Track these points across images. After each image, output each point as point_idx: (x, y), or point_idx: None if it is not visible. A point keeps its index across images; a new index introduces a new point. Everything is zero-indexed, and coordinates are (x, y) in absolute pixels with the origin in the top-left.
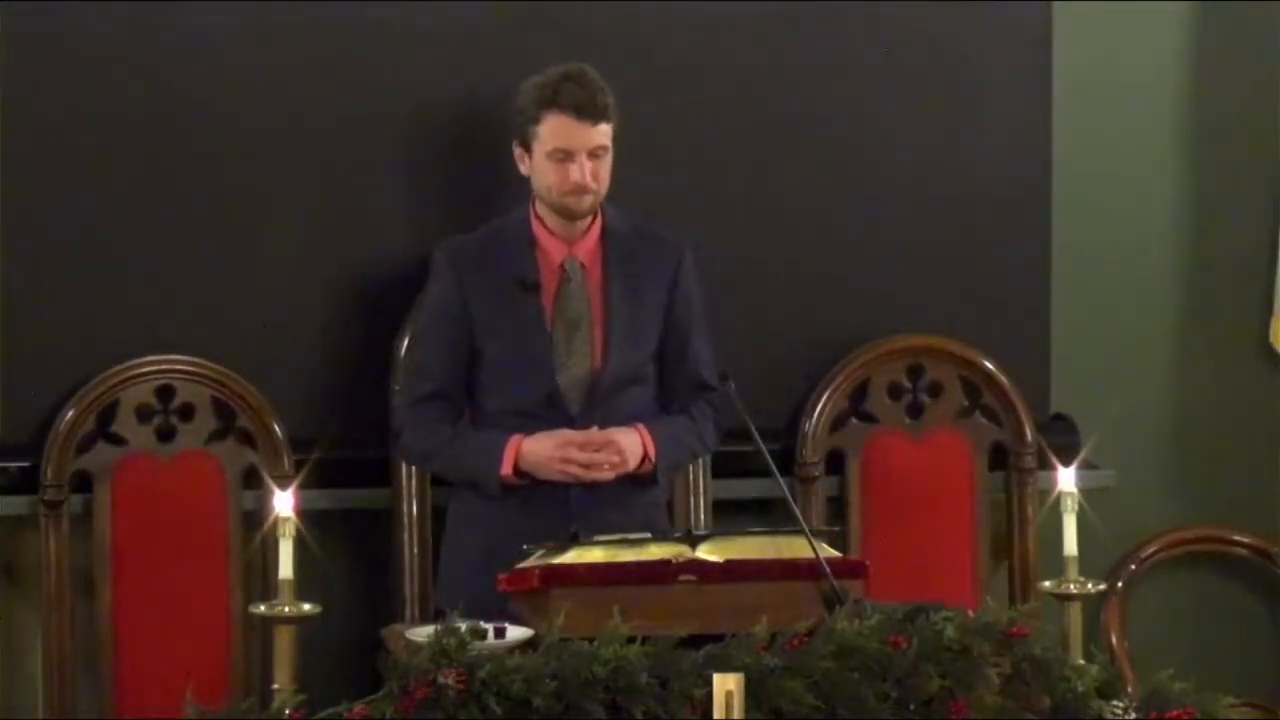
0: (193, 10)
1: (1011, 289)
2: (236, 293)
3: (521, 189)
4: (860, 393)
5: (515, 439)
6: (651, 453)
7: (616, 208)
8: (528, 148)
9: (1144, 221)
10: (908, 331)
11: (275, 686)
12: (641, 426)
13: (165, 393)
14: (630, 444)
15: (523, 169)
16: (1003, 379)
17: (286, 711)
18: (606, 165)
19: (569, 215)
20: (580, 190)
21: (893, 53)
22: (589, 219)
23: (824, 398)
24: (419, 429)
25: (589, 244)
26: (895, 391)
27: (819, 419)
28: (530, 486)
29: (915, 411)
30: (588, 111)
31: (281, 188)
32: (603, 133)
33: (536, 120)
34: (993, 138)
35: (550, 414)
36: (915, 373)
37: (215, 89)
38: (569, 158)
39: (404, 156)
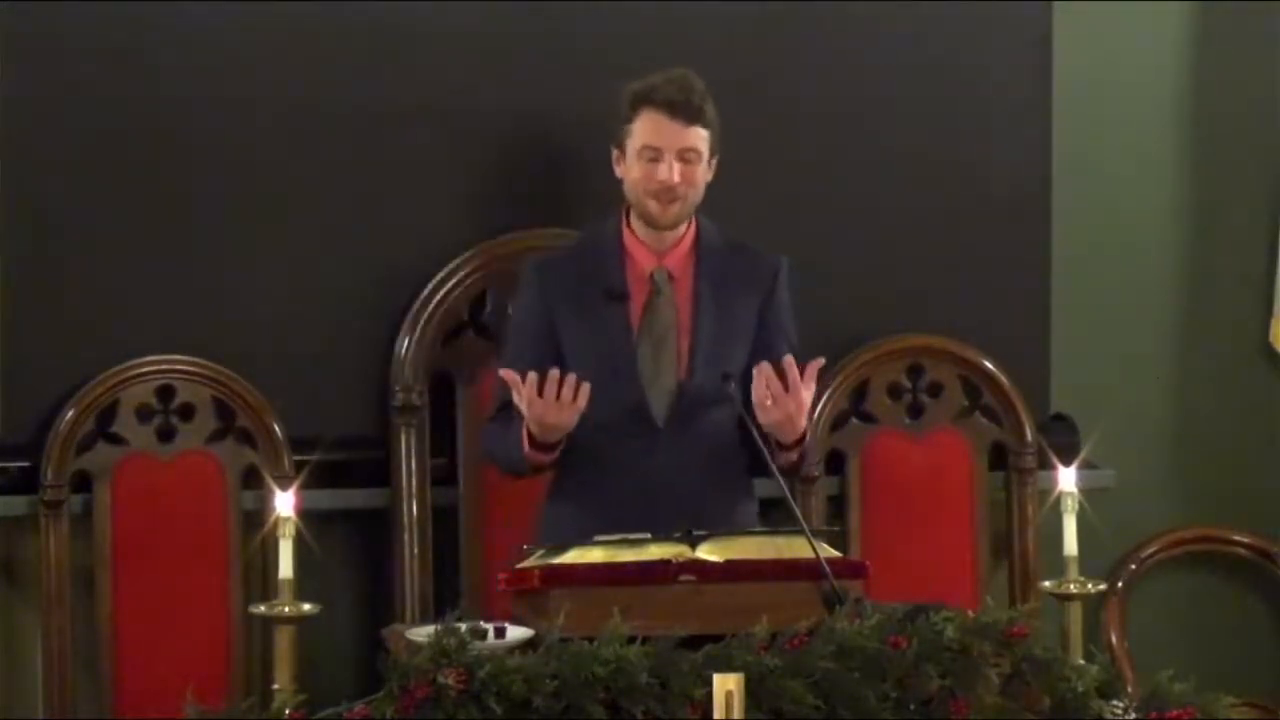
0: (191, 10)
1: (1011, 289)
2: (236, 293)
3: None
4: (860, 393)
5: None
6: (807, 436)
7: (713, 222)
8: (622, 148)
9: (1144, 221)
10: (908, 331)
11: (275, 686)
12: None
13: (165, 393)
14: (803, 416)
15: (618, 171)
16: (1003, 379)
17: (286, 711)
18: (699, 171)
19: (652, 222)
20: (665, 189)
21: (893, 53)
22: (682, 229)
23: (824, 398)
24: (491, 438)
25: (680, 254)
26: (895, 391)
27: (819, 419)
28: (610, 493)
29: (915, 411)
30: (681, 111)
31: (282, 188)
32: (695, 135)
33: (631, 119)
34: (993, 138)
35: (636, 427)
36: (915, 373)
37: (216, 89)
38: (658, 156)
39: (405, 157)
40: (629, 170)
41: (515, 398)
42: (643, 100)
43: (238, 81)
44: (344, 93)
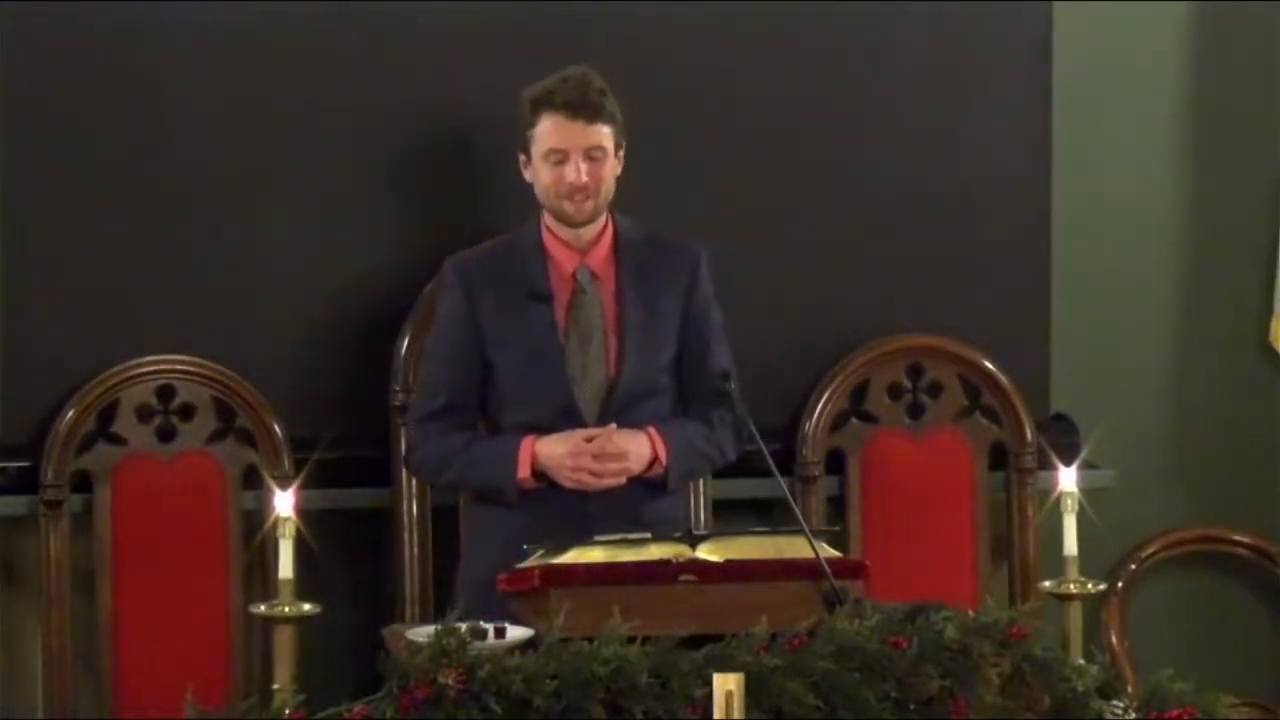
0: (196, 10)
1: (1011, 289)
2: (236, 293)
3: (524, 194)
4: (860, 393)
5: (528, 440)
6: (662, 456)
7: (630, 217)
8: (528, 153)
9: (1144, 221)
10: (908, 331)
11: (275, 686)
12: (651, 430)
13: (165, 393)
14: (636, 447)
15: (527, 176)
16: (1003, 379)
17: (286, 711)
18: (606, 168)
19: (568, 221)
20: (575, 191)
21: (893, 53)
22: (599, 227)
23: (824, 398)
24: (429, 443)
25: (601, 253)
26: (895, 391)
27: (819, 419)
28: (546, 493)
29: (915, 411)
30: (581, 110)
31: (283, 188)
32: (599, 133)
33: (533, 123)
34: (993, 138)
35: (565, 426)
36: (915, 373)
37: (217, 90)
38: (564, 158)
39: (406, 158)
40: (537, 175)
41: (562, 457)
42: (542, 104)
43: (238, 82)
44: (345, 93)
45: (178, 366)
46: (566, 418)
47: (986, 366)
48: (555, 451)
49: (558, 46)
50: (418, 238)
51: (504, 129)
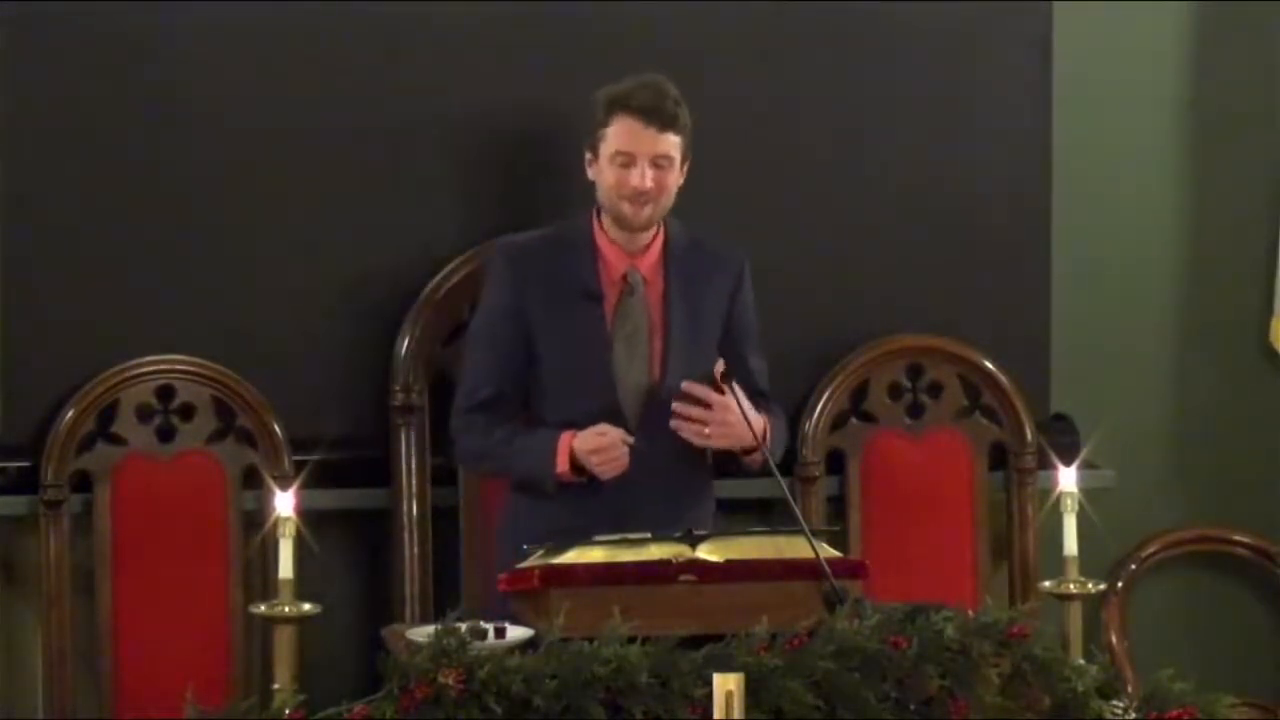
0: (194, 9)
1: (1011, 289)
2: (236, 293)
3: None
4: (860, 393)
5: (566, 436)
6: (767, 440)
7: (679, 221)
8: (596, 152)
9: (1144, 221)
10: (908, 331)
11: (275, 686)
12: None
13: (165, 393)
14: (754, 420)
15: (590, 174)
16: (1003, 379)
17: (286, 711)
18: (671, 177)
19: (625, 225)
20: (638, 195)
21: (893, 53)
22: (653, 231)
23: (824, 398)
24: (473, 433)
25: (652, 256)
26: (895, 391)
27: (819, 419)
28: (585, 487)
29: (915, 411)
30: (655, 117)
31: (282, 187)
32: (668, 142)
33: (605, 123)
34: (993, 138)
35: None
36: (915, 373)
37: (216, 89)
38: (631, 161)
39: (405, 157)
40: (602, 174)
41: (591, 450)
42: (618, 106)
43: (238, 82)
44: (344, 93)
45: (178, 366)
46: (608, 419)
47: (986, 366)
48: (586, 448)
49: (558, 48)
50: (417, 237)
51: (505, 129)
